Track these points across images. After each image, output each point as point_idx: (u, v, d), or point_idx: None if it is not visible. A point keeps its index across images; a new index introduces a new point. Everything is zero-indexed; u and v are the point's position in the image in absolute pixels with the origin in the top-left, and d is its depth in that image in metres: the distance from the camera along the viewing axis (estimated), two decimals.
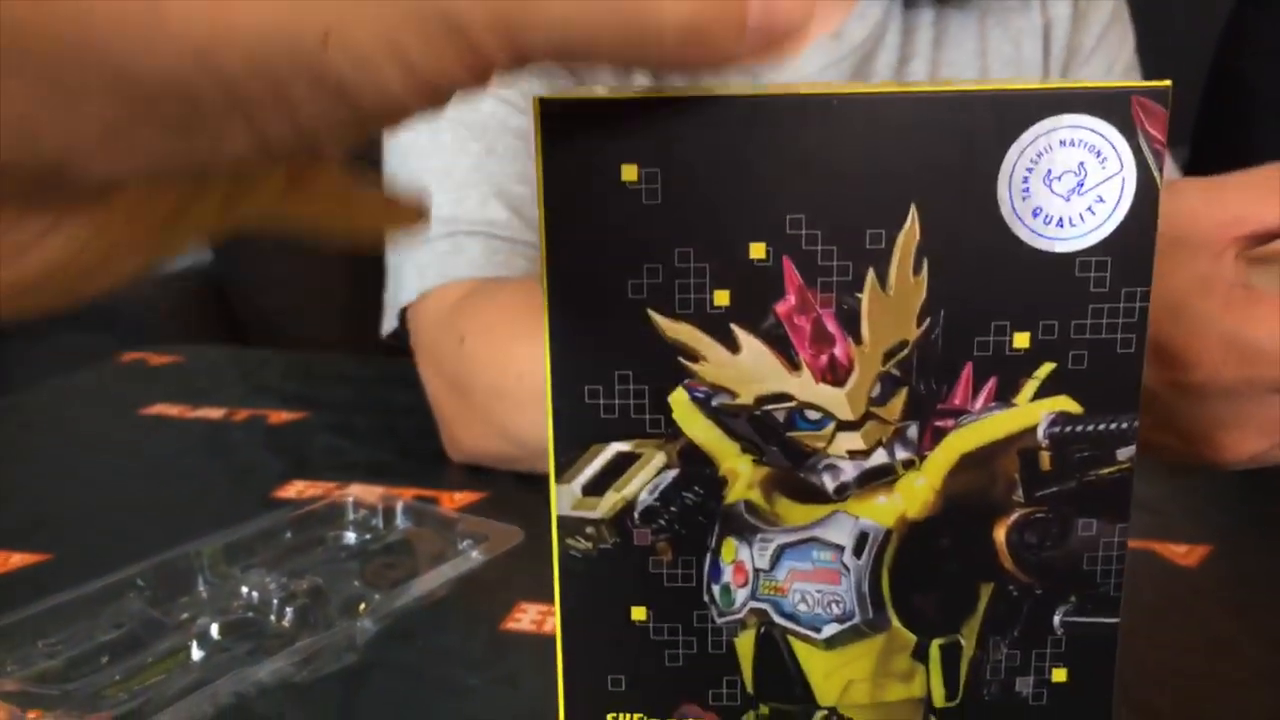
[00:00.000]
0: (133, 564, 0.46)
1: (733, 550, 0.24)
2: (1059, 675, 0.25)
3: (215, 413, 0.71)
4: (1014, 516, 0.24)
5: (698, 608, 0.25)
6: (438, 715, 0.38)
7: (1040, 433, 0.23)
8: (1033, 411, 0.23)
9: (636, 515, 0.24)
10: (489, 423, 0.58)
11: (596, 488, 0.24)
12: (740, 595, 0.25)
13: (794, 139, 0.22)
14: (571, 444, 0.24)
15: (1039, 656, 0.25)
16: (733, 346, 0.23)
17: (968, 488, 0.24)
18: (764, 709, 0.25)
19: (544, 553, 0.26)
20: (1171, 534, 0.48)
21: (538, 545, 0.49)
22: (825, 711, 0.25)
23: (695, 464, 0.24)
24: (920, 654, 0.25)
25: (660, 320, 0.23)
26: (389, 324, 0.68)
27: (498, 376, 0.57)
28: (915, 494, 0.24)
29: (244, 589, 0.44)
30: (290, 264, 1.64)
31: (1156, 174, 0.22)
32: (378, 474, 0.57)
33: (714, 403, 0.24)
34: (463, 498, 0.57)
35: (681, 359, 0.23)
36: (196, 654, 0.41)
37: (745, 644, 0.25)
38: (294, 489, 0.58)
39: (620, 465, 0.24)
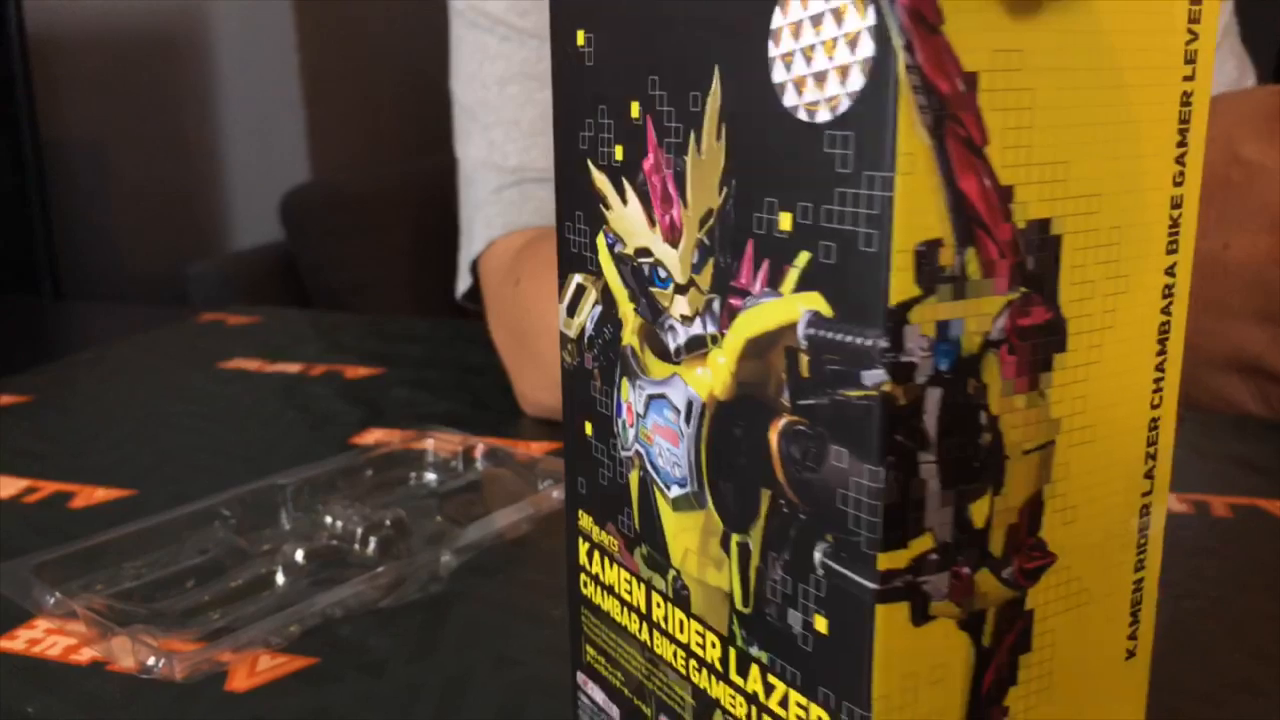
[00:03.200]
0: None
1: (626, 390, 0.27)
2: (820, 624, 0.21)
3: (293, 367, 0.71)
4: (782, 421, 0.21)
5: (612, 436, 0.28)
6: (526, 643, 0.37)
7: (799, 331, 0.21)
8: (793, 305, 0.21)
9: (585, 340, 0.28)
10: (541, 369, 0.56)
11: (570, 311, 0.29)
12: (630, 435, 0.27)
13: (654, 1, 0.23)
14: (561, 272, 0.29)
15: (804, 594, 0.22)
16: (624, 198, 0.25)
17: (752, 377, 0.22)
18: (643, 549, 0.27)
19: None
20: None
21: None
22: (675, 571, 0.26)
23: (610, 304, 0.27)
24: (726, 545, 0.24)
25: (593, 170, 0.27)
26: (463, 284, 0.67)
27: (546, 314, 0.55)
28: (719, 372, 0.23)
29: (328, 519, 0.44)
30: (361, 242, 1.58)
31: (896, 36, 0.18)
32: (454, 425, 0.56)
33: (615, 250, 0.26)
34: (540, 447, 0.54)
35: (601, 206, 0.26)
36: (281, 580, 0.41)
37: (633, 483, 0.27)
38: (371, 436, 0.58)
39: (579, 295, 0.28)
